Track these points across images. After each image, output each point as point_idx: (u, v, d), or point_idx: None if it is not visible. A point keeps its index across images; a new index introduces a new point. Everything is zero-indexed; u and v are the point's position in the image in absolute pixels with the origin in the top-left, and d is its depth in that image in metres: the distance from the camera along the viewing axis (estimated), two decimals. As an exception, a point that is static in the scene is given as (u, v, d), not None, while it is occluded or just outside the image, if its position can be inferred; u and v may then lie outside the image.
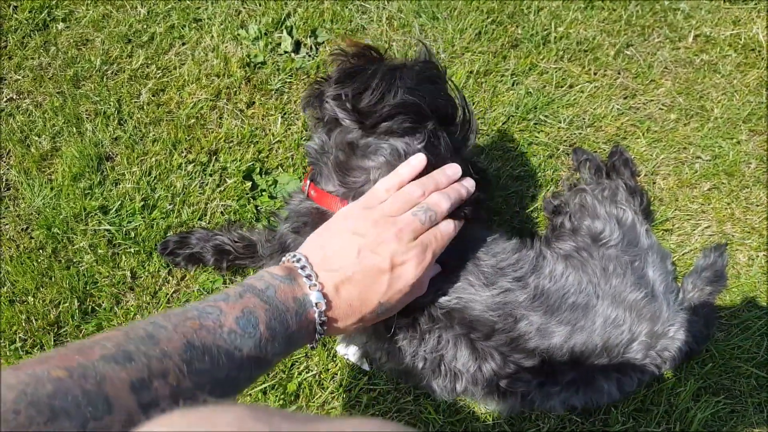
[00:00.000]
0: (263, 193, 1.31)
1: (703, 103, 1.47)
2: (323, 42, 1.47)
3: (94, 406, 0.43)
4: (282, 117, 1.37)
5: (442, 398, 1.05)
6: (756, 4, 1.60)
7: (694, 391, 1.18)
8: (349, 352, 1.18)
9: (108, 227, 1.24)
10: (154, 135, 1.33)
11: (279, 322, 0.63)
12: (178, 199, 1.28)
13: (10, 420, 0.38)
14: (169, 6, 1.47)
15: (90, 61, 1.39)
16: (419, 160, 0.81)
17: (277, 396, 1.14)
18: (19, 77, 1.37)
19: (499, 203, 1.33)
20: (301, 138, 1.36)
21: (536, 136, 1.41)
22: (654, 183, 1.39)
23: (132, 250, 1.23)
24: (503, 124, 1.41)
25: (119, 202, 1.26)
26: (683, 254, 1.32)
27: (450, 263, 0.84)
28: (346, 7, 1.49)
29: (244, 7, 1.49)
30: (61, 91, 1.36)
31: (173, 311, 0.57)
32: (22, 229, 1.25)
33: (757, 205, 1.38)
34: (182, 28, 1.45)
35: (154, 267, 1.22)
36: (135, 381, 0.47)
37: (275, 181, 1.32)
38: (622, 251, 1.04)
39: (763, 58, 1.53)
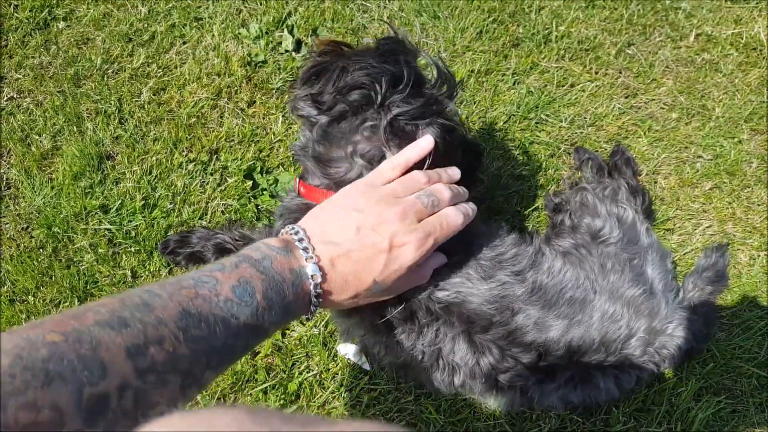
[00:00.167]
0: (264, 192, 1.30)
1: (704, 102, 1.47)
2: (324, 41, 1.47)
3: (89, 370, 0.43)
4: (283, 116, 1.37)
5: (440, 392, 1.05)
6: (757, 3, 1.59)
7: (695, 391, 1.18)
8: (350, 352, 1.18)
9: (108, 226, 1.23)
10: (154, 134, 1.33)
11: (275, 292, 0.63)
12: (179, 198, 1.28)
13: (7, 384, 0.38)
14: (170, 5, 1.47)
15: (91, 60, 1.39)
16: (427, 141, 0.81)
17: (277, 396, 1.14)
18: (20, 76, 1.37)
19: (501, 202, 1.33)
20: (302, 137, 1.35)
21: (537, 136, 1.40)
22: (655, 182, 1.39)
23: (132, 249, 1.23)
24: (504, 123, 1.40)
25: (120, 201, 1.26)
26: (684, 253, 1.32)
27: (453, 256, 0.84)
28: (347, 6, 1.49)
29: (245, 6, 1.49)
30: (62, 90, 1.36)
31: (168, 280, 0.57)
32: (22, 228, 1.25)
33: (759, 205, 1.37)
34: (183, 27, 1.45)
35: (155, 266, 1.22)
36: (131, 346, 0.46)
37: (276, 180, 1.31)
38: (622, 249, 1.04)
39: (764, 57, 1.53)
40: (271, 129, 1.36)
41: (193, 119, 1.35)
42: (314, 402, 1.15)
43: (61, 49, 1.40)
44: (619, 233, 1.06)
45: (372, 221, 0.72)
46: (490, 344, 0.86)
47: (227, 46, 1.44)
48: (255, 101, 1.39)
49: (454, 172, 0.84)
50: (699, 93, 1.48)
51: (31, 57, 1.39)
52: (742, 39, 1.55)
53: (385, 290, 0.75)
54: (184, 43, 1.44)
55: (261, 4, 1.49)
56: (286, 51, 1.44)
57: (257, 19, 1.47)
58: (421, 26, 1.49)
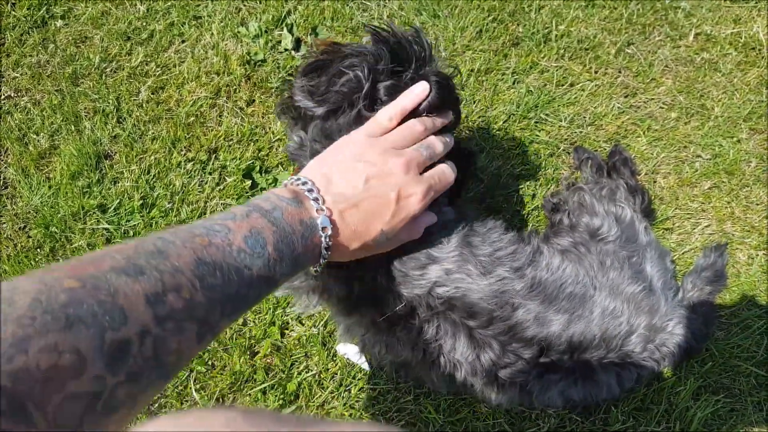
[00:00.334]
0: (263, 192, 1.30)
1: (703, 101, 1.47)
2: (323, 40, 1.47)
3: (111, 316, 0.42)
4: (282, 115, 1.37)
5: (440, 390, 1.04)
6: (756, 2, 1.59)
7: (693, 389, 1.18)
8: (349, 352, 1.18)
9: (106, 226, 1.23)
10: (153, 133, 1.33)
11: (286, 244, 0.63)
12: (178, 197, 1.27)
13: (26, 325, 0.37)
14: (169, 3, 1.46)
15: (89, 59, 1.39)
16: (422, 87, 0.81)
17: (276, 396, 1.14)
18: (18, 75, 1.37)
19: (500, 202, 1.33)
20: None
21: (537, 135, 1.40)
22: (655, 182, 1.39)
23: (131, 248, 1.22)
24: (504, 122, 1.40)
25: (118, 200, 1.25)
26: (683, 253, 1.32)
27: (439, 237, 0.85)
28: (347, 5, 1.49)
29: (245, 5, 1.48)
30: (60, 89, 1.35)
31: (179, 227, 0.56)
32: (19, 228, 1.24)
33: (757, 204, 1.38)
34: (182, 26, 1.44)
35: (154, 266, 1.22)
36: (149, 294, 0.46)
37: (275, 180, 1.31)
38: (620, 247, 1.04)
39: (763, 57, 1.53)
40: (270, 128, 1.36)
41: (192, 118, 1.35)
42: (313, 402, 1.15)
43: (59, 47, 1.40)
44: (617, 231, 1.06)
45: (378, 172, 0.73)
46: (490, 340, 0.86)
47: (226, 44, 1.43)
48: (254, 100, 1.38)
49: (447, 117, 0.86)
50: (698, 92, 1.48)
51: (28, 55, 1.38)
52: (741, 38, 1.55)
53: (389, 240, 0.76)
54: (183, 41, 1.43)
55: (260, 3, 1.48)
56: (286, 50, 1.44)
57: (256, 18, 1.46)
58: (421, 25, 1.49)
